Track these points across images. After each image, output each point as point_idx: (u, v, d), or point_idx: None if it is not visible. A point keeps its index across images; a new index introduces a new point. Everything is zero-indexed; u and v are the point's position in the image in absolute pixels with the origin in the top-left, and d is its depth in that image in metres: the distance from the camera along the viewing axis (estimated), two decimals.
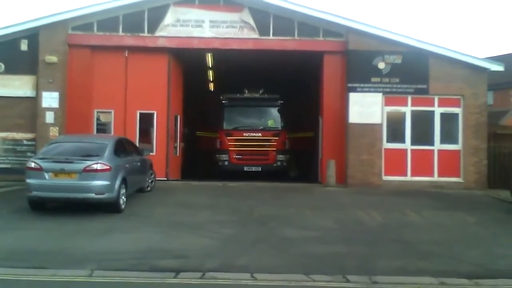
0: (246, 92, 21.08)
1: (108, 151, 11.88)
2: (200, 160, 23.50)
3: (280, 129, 20.43)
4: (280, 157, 20.04)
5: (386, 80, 17.46)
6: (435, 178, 17.34)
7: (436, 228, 11.07)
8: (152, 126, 18.20)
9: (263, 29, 17.82)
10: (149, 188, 15.05)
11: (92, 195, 11.29)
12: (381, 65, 17.41)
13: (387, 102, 17.58)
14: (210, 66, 23.54)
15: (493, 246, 9.58)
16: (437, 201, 14.66)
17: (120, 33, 17.82)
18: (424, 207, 13.45)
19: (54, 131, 17.04)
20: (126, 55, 18.10)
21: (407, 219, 12.00)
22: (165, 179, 17.69)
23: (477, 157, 17.23)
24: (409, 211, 12.84)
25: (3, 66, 17.54)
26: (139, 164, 14.06)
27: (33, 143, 17.25)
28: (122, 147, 13.12)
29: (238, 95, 20.99)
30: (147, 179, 15.00)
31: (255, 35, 17.84)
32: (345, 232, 10.47)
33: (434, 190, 16.55)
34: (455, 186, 16.98)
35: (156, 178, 16.03)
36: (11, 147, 17.53)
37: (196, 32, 17.86)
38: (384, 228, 10.97)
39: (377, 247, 9.27)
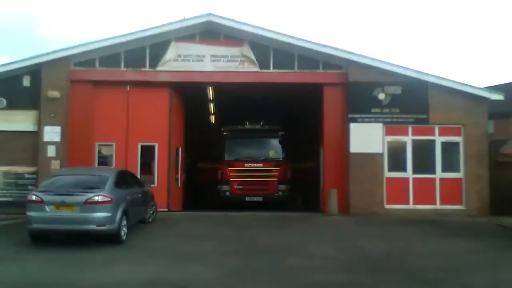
0: (247, 123, 21.19)
1: (109, 183, 11.89)
2: (202, 190, 23.48)
3: (281, 159, 20.45)
4: (282, 187, 20.01)
5: (386, 110, 17.57)
6: (438, 206, 17.24)
7: (440, 256, 10.97)
8: (154, 158, 18.27)
9: (263, 63, 18.03)
10: (150, 219, 15.02)
11: (93, 226, 11.26)
12: (381, 96, 17.53)
13: (388, 132, 17.62)
14: (211, 98, 23.78)
15: (497, 272, 9.50)
16: (440, 228, 14.58)
17: (122, 68, 18.05)
18: (427, 235, 13.38)
19: (55, 165, 17.08)
20: (128, 89, 18.32)
21: (410, 247, 11.90)
22: (167, 210, 17.65)
23: (479, 185, 17.16)
24: (412, 239, 12.75)
25: (5, 101, 17.70)
26: (140, 195, 14.06)
27: (35, 176, 17.27)
28: (123, 179, 13.13)
29: (239, 126, 21.10)
30: (149, 210, 14.99)
31: (255, 68, 18.04)
32: (348, 261, 10.38)
33: (437, 218, 16.42)
34: (457, 213, 16.86)
35: (158, 209, 15.99)
36: (13, 180, 17.58)
37: (197, 66, 18.06)
38: (387, 256, 10.87)
39: (380, 275, 9.18)
